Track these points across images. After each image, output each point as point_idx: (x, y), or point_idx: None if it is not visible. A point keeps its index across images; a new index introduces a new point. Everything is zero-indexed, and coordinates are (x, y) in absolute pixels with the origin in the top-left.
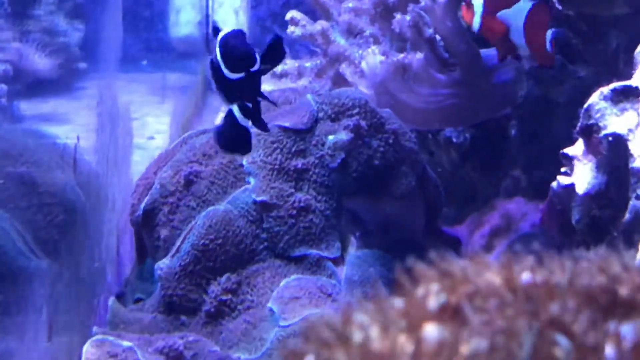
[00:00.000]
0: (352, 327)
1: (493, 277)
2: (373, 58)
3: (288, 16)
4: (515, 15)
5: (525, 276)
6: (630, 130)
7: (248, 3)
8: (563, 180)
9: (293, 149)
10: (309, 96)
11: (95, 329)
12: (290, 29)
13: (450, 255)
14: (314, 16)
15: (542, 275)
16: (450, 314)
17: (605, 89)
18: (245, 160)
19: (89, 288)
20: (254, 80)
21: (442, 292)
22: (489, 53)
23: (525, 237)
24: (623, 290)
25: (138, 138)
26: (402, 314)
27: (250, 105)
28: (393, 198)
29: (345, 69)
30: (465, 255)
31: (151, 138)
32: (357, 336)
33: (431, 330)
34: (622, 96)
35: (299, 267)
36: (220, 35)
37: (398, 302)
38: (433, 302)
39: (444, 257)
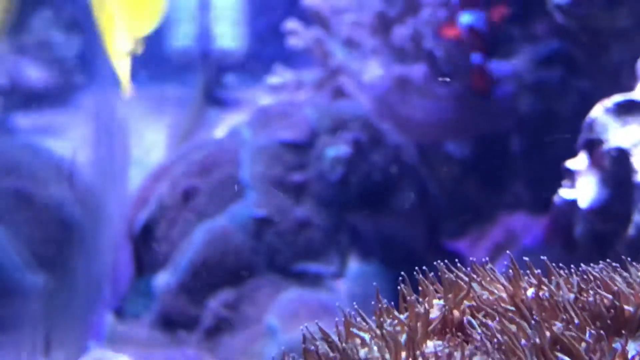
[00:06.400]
0: (352, 342)
1: (498, 292)
2: (373, 71)
3: (288, 27)
4: None
5: (531, 292)
6: (633, 145)
7: (247, 16)
8: (565, 194)
9: (292, 163)
10: (308, 109)
11: (92, 344)
12: (291, 41)
13: (454, 269)
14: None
15: (548, 291)
16: (453, 328)
17: (608, 103)
18: (244, 173)
19: (86, 303)
20: None
21: (444, 307)
22: (490, 66)
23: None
24: (629, 308)
25: (135, 151)
26: (403, 329)
27: None
28: (393, 212)
29: (345, 81)
30: (470, 269)
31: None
32: (357, 351)
33: (431, 347)
34: (625, 110)
35: (299, 282)
36: None
37: (399, 317)
38: (435, 317)
39: (448, 271)
